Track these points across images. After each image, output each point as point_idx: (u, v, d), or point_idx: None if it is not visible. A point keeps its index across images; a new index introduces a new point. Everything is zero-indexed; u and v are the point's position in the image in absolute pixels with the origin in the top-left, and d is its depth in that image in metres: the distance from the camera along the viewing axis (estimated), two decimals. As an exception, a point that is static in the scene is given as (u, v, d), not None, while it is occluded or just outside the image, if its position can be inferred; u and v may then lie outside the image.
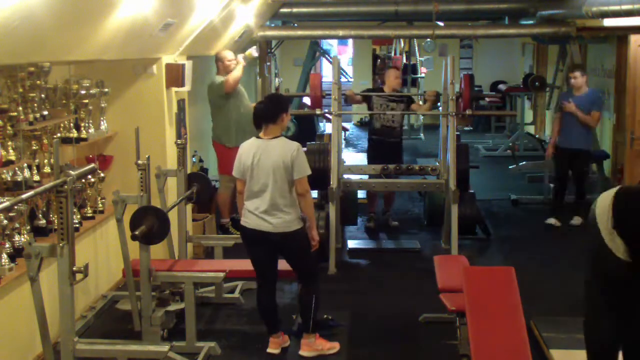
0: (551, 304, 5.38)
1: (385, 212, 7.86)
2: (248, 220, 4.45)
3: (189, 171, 5.71)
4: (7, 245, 4.18)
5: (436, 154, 7.74)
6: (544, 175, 8.78)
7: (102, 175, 5.53)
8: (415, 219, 8.13)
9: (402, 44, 15.54)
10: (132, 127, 4.94)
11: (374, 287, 5.93)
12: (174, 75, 5.95)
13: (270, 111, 4.45)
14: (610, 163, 8.85)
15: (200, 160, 7.66)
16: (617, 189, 3.24)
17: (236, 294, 5.47)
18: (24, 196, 3.47)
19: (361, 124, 16.95)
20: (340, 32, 9.13)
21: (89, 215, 5.30)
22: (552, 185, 8.03)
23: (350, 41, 18.76)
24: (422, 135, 14.89)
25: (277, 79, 12.04)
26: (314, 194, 6.93)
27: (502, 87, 14.58)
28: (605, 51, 9.37)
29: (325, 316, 4.94)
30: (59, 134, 4.96)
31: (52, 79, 4.94)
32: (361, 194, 7.83)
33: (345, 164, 7.05)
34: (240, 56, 6.91)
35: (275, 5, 8.34)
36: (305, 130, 11.18)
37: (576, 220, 7.41)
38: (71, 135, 5.12)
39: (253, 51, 7.15)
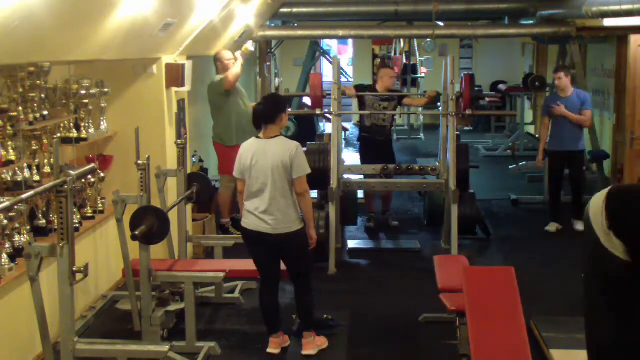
0: (551, 304, 5.38)
1: (385, 212, 7.86)
2: (247, 222, 4.46)
3: (189, 171, 5.71)
4: (7, 245, 4.18)
5: (436, 154, 7.74)
6: (544, 175, 8.77)
7: (102, 175, 5.53)
8: (415, 219, 8.13)
9: (402, 44, 15.54)
10: (132, 127, 4.94)
11: (374, 287, 5.93)
12: (174, 75, 5.95)
13: (269, 111, 4.46)
14: (610, 163, 8.85)
15: (200, 160, 7.66)
16: (609, 189, 3.24)
17: (236, 294, 5.47)
18: (24, 196, 3.47)
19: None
20: (340, 32, 9.13)
21: (89, 215, 5.30)
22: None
23: (350, 41, 18.75)
24: (422, 135, 14.90)
25: (277, 79, 12.05)
26: (314, 194, 6.93)
27: (502, 87, 14.58)
28: (605, 51, 9.38)
29: (325, 316, 4.95)
30: (59, 134, 4.96)
31: (52, 79, 4.94)
32: (361, 194, 7.83)
33: (345, 164, 7.06)
34: (238, 53, 6.93)
35: (275, 5, 8.34)
36: (305, 130, 11.19)
37: (580, 226, 7.30)
38: (71, 135, 5.12)
39: (249, 46, 7.15)
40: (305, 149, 4.60)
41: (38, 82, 4.64)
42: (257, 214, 4.40)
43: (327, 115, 7.20)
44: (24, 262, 3.56)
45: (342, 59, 15.86)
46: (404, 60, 15.27)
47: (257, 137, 4.49)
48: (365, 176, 7.22)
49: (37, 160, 4.72)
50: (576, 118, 7.19)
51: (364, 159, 7.48)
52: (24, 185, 4.34)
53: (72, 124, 5.17)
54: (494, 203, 8.72)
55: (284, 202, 4.39)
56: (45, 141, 4.80)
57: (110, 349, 4.10)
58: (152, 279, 4.54)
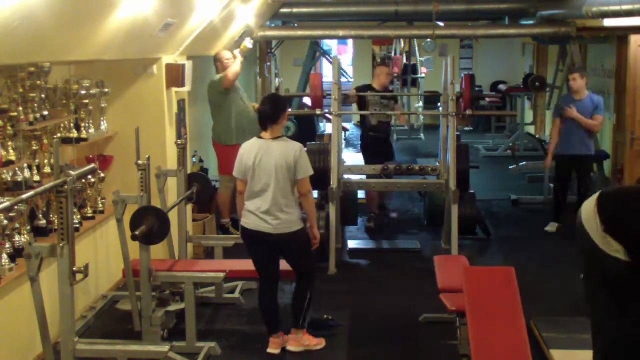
0: (551, 304, 5.38)
1: (382, 208, 7.90)
2: (248, 221, 4.46)
3: (189, 171, 5.71)
4: (7, 245, 4.18)
5: (436, 154, 7.75)
6: (544, 175, 8.77)
7: (102, 175, 5.53)
8: (415, 219, 8.13)
9: (402, 44, 15.53)
10: (132, 127, 4.94)
11: (374, 287, 5.93)
12: (174, 75, 5.95)
13: (272, 112, 4.48)
14: (610, 163, 8.85)
15: (200, 160, 7.66)
16: (598, 194, 3.25)
17: (236, 294, 5.47)
18: (24, 196, 3.47)
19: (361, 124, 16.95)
20: (340, 32, 9.13)
21: (89, 215, 5.30)
22: (551, 185, 7.99)
23: (350, 41, 18.75)
24: (422, 135, 14.89)
25: (277, 79, 12.04)
26: (314, 194, 6.93)
27: (502, 87, 14.59)
28: (605, 51, 9.37)
29: (325, 316, 4.95)
30: (59, 134, 4.96)
31: (52, 79, 4.94)
32: (361, 194, 7.83)
33: (345, 164, 7.06)
34: (236, 51, 6.94)
35: (275, 5, 8.34)
36: (305, 130, 11.18)
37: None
38: (71, 135, 5.12)
39: (247, 42, 7.15)
40: (305, 149, 4.61)
41: (38, 82, 4.64)
42: (258, 214, 4.40)
43: (327, 115, 7.21)
44: (24, 262, 3.56)
45: (342, 59, 15.86)
46: (404, 60, 15.26)
47: (259, 137, 4.50)
48: (368, 176, 7.24)
49: (37, 160, 4.72)
50: (587, 122, 7.00)
51: (370, 158, 7.46)
52: (24, 185, 4.34)
53: (72, 124, 5.17)
54: (494, 203, 8.72)
55: (286, 202, 4.40)
56: (45, 141, 4.80)
57: (110, 349, 4.10)
58: (152, 279, 4.54)
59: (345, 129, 13.19)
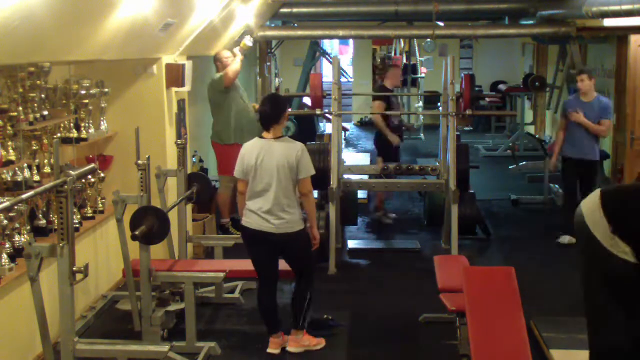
0: (551, 304, 5.38)
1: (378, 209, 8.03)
2: (249, 220, 4.46)
3: (189, 171, 5.71)
4: (7, 245, 4.18)
5: (436, 154, 7.76)
6: (544, 175, 8.77)
7: (102, 175, 5.53)
8: (415, 219, 8.13)
9: (402, 44, 15.54)
10: (132, 127, 4.94)
11: (374, 287, 5.93)
12: (174, 75, 5.95)
13: (273, 112, 4.49)
14: (610, 163, 8.85)
15: (200, 160, 7.66)
16: (600, 192, 3.21)
17: (236, 294, 5.47)
18: (24, 196, 3.47)
19: (361, 124, 16.95)
20: (340, 32, 9.12)
21: (89, 215, 5.30)
22: (554, 186, 7.88)
23: (350, 41, 18.76)
24: (422, 135, 14.90)
25: (277, 79, 12.04)
26: (314, 194, 6.93)
27: (502, 87, 14.59)
28: (605, 51, 9.37)
29: (325, 316, 4.95)
30: (59, 134, 4.96)
31: (52, 79, 4.94)
32: (361, 194, 7.84)
33: (345, 164, 7.06)
34: (236, 49, 6.94)
35: (275, 5, 8.33)
36: (305, 130, 11.17)
37: None
38: (71, 135, 5.12)
39: (247, 40, 7.15)
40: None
41: (38, 82, 4.64)
42: (260, 214, 4.40)
43: (327, 115, 7.21)
44: (24, 262, 3.56)
45: (342, 59, 15.88)
46: (404, 60, 15.27)
47: (260, 137, 4.50)
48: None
49: (37, 160, 4.72)
50: (594, 128, 6.70)
51: (387, 158, 7.41)
52: (24, 185, 4.34)
53: (72, 124, 5.17)
54: (494, 203, 8.72)
55: (287, 202, 4.40)
56: (45, 141, 4.80)
57: (110, 349, 4.10)
58: (152, 279, 4.54)
59: (345, 129, 13.19)
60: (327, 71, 16.23)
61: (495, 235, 7.34)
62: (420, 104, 15.05)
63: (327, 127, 12.48)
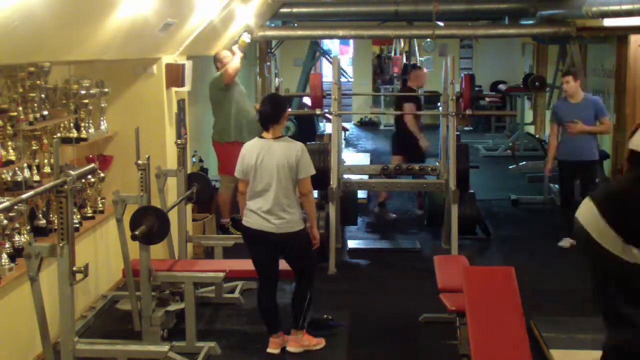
0: (551, 304, 5.38)
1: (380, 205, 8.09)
2: (250, 220, 4.46)
3: (189, 171, 5.71)
4: (7, 245, 4.18)
5: (436, 154, 7.76)
6: (544, 175, 8.76)
7: (102, 175, 5.53)
8: (415, 219, 8.13)
9: (402, 44, 15.54)
10: (132, 127, 4.94)
11: (374, 287, 5.93)
12: (174, 75, 5.95)
13: (273, 112, 4.49)
14: (610, 163, 8.85)
15: (200, 160, 7.66)
16: (594, 201, 3.17)
17: (236, 294, 5.47)
18: (24, 196, 3.47)
19: (361, 124, 16.95)
20: (340, 32, 9.12)
21: (89, 215, 5.30)
22: (554, 186, 7.87)
23: (350, 41, 18.76)
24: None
25: (277, 79, 12.04)
26: (314, 194, 6.94)
27: (502, 87, 14.58)
28: (605, 51, 9.37)
29: (325, 316, 4.95)
30: (59, 134, 4.96)
31: (52, 79, 4.94)
32: (361, 193, 7.84)
33: (345, 164, 7.06)
34: (235, 47, 6.94)
35: (275, 5, 8.33)
36: (305, 130, 11.17)
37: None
38: (71, 135, 5.12)
39: (245, 37, 7.15)
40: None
41: (38, 82, 4.64)
42: (260, 213, 4.41)
43: (327, 115, 7.22)
44: (24, 262, 3.56)
45: (342, 59, 15.87)
46: (404, 60, 15.27)
47: (261, 137, 4.50)
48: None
49: (37, 160, 4.72)
50: (597, 130, 6.63)
51: (411, 159, 7.58)
52: (24, 185, 4.34)
53: (72, 124, 5.17)
54: (494, 203, 8.72)
55: (288, 202, 4.40)
56: (45, 141, 4.80)
57: (110, 349, 4.10)
58: (152, 279, 4.54)
59: (345, 129, 13.19)
60: (327, 71, 16.23)
61: (495, 235, 7.34)
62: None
63: (327, 127, 12.48)
